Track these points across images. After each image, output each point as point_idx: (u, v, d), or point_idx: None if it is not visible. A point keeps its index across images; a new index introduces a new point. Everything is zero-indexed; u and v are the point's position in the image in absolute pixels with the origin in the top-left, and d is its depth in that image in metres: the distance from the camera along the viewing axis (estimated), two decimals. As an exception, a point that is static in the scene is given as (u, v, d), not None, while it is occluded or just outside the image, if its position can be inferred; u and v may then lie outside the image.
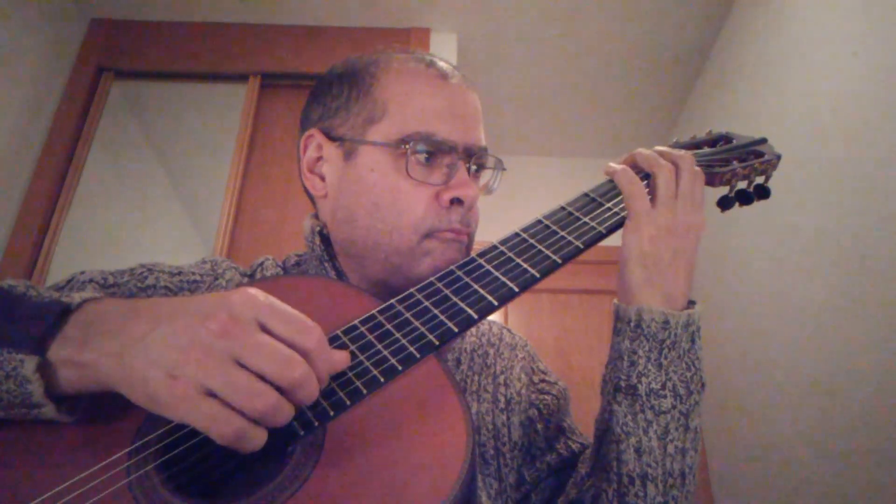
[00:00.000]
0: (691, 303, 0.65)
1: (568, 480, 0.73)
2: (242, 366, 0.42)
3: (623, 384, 0.61)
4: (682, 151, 0.67)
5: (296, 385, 0.43)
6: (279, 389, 0.43)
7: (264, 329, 0.44)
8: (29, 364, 0.45)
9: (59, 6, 2.23)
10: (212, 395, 0.42)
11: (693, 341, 0.62)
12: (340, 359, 0.50)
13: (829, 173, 1.63)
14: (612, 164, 0.68)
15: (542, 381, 0.80)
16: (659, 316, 0.60)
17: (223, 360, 0.42)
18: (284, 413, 0.43)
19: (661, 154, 0.68)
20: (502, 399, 0.74)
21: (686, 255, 0.63)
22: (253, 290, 0.46)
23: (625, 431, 0.60)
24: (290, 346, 0.44)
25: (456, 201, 0.67)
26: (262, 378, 0.43)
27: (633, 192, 0.64)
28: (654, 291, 0.62)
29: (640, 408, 0.60)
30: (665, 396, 0.60)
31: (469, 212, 0.69)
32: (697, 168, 0.67)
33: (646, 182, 0.66)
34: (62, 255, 1.99)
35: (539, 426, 0.76)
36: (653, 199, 0.64)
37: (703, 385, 0.63)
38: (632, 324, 0.61)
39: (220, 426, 0.41)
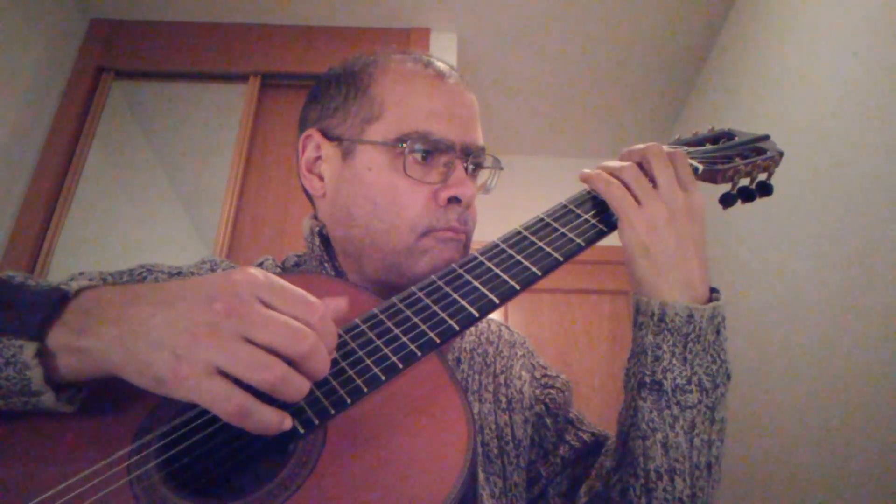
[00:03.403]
0: (714, 290, 0.63)
1: (585, 471, 0.73)
2: (251, 342, 0.43)
3: (648, 380, 0.60)
4: (648, 144, 0.66)
5: (307, 355, 0.44)
6: (290, 363, 0.43)
7: (267, 306, 0.45)
8: (28, 349, 0.45)
9: (59, 6, 2.23)
10: (222, 374, 0.42)
11: (718, 333, 0.61)
12: (341, 306, 0.50)
13: (830, 173, 1.63)
14: (585, 171, 0.66)
15: (544, 375, 0.81)
16: (683, 310, 0.59)
17: (232, 337, 0.43)
18: (296, 385, 0.43)
19: (624, 156, 0.66)
20: (503, 399, 0.74)
21: (693, 239, 0.61)
22: (253, 270, 0.47)
23: (651, 427, 0.60)
24: (295, 320, 0.45)
25: (453, 200, 0.67)
26: (273, 352, 0.43)
27: (612, 192, 0.62)
28: (668, 281, 0.60)
29: (666, 404, 0.60)
30: (691, 391, 0.59)
31: (466, 210, 0.69)
32: (672, 150, 0.65)
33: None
34: (62, 255, 1.99)
35: (548, 421, 0.76)
36: (636, 199, 0.62)
37: (728, 377, 0.62)
38: (655, 317, 0.60)
39: (223, 403, 0.42)
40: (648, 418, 0.60)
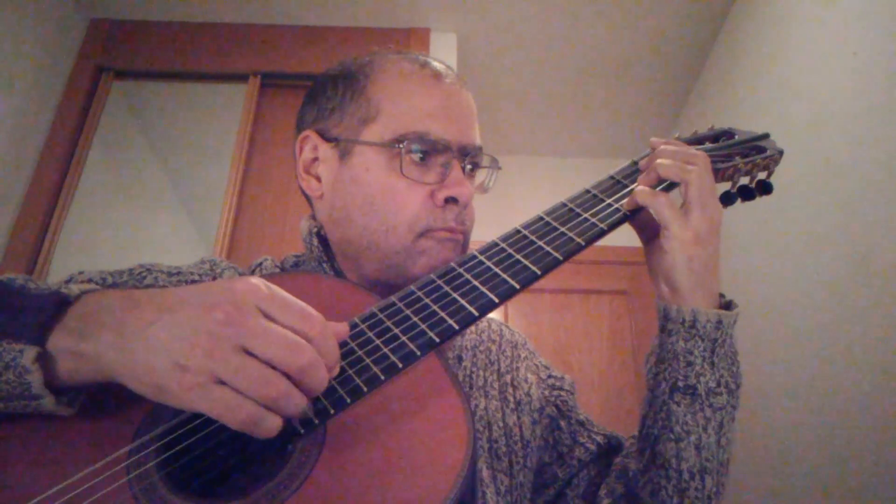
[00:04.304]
0: (721, 294, 0.66)
1: (600, 472, 0.75)
2: (250, 353, 0.43)
3: (681, 384, 0.62)
4: (695, 150, 0.66)
5: (305, 371, 0.43)
6: (288, 376, 0.43)
7: (267, 317, 0.45)
8: (28, 354, 0.45)
9: (59, 6, 2.22)
10: (221, 382, 0.42)
11: (732, 336, 0.64)
12: (342, 330, 0.50)
13: (830, 173, 1.63)
14: (643, 188, 0.65)
15: (550, 376, 0.82)
16: (713, 317, 0.61)
17: (231, 348, 0.42)
18: (295, 401, 0.43)
19: (676, 154, 0.65)
20: (511, 400, 0.74)
21: (718, 252, 0.64)
22: (255, 279, 0.46)
23: (685, 430, 0.62)
24: (294, 333, 0.44)
25: (451, 200, 0.68)
26: (271, 365, 0.43)
27: (659, 202, 0.62)
28: (703, 293, 0.62)
29: (700, 406, 0.62)
30: (721, 394, 0.62)
31: (464, 210, 0.69)
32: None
33: (666, 184, 0.65)
34: (62, 255, 1.99)
35: (562, 423, 0.78)
36: (684, 205, 0.63)
37: (741, 376, 0.65)
38: (686, 324, 0.62)
39: (234, 412, 0.42)
40: (682, 421, 0.62)
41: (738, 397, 0.64)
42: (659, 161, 0.65)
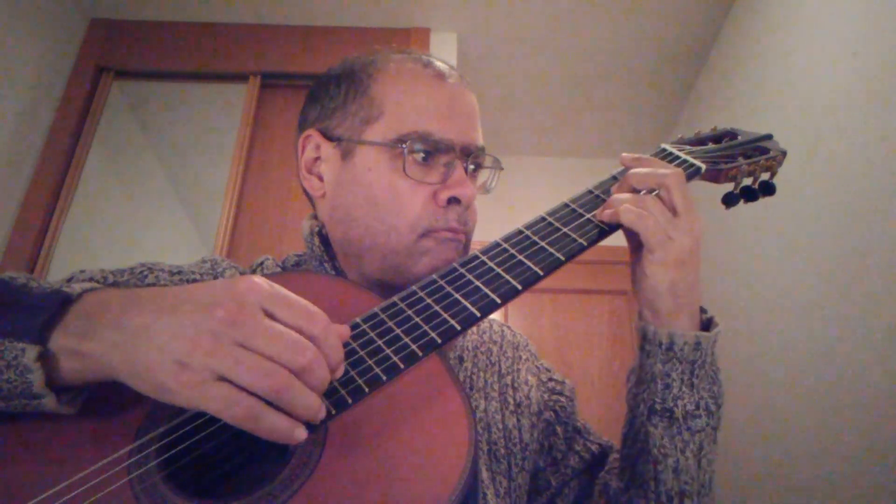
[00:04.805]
0: (702, 311, 0.64)
1: (590, 481, 0.74)
2: (252, 352, 0.43)
3: (658, 407, 0.62)
4: (669, 171, 0.63)
5: (307, 368, 0.43)
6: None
7: (270, 316, 0.44)
8: (30, 353, 0.45)
9: (59, 6, 2.22)
10: (223, 380, 0.42)
11: (713, 353, 0.63)
12: (343, 332, 0.50)
13: (829, 173, 1.63)
14: (623, 206, 0.62)
15: (550, 379, 0.81)
16: (691, 339, 0.60)
17: (233, 345, 0.42)
18: (298, 393, 0.43)
19: (647, 178, 0.63)
20: (511, 401, 0.74)
21: (699, 269, 0.62)
22: (257, 278, 0.46)
23: (662, 453, 0.61)
24: (297, 332, 0.44)
25: (453, 200, 0.67)
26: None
27: (646, 224, 0.60)
28: (684, 314, 0.61)
29: (678, 430, 0.61)
30: (699, 416, 0.61)
31: (466, 211, 0.69)
32: (672, 171, 0.63)
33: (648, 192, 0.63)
34: (62, 255, 1.99)
35: (559, 429, 0.77)
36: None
37: (723, 395, 0.64)
38: (663, 347, 0.61)
39: (232, 408, 0.41)
40: (660, 444, 0.61)
41: (718, 417, 0.63)
42: (621, 203, 0.61)
